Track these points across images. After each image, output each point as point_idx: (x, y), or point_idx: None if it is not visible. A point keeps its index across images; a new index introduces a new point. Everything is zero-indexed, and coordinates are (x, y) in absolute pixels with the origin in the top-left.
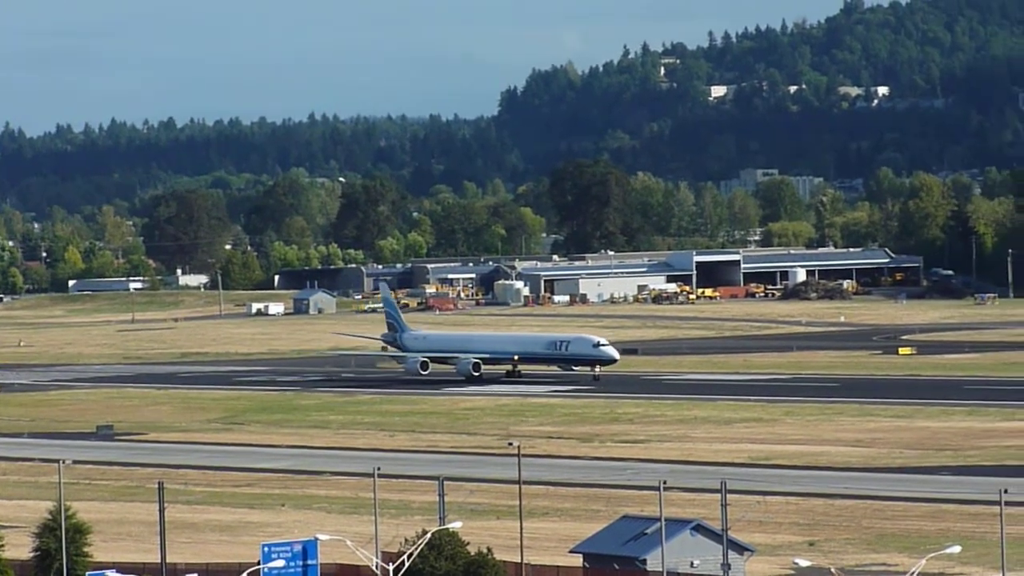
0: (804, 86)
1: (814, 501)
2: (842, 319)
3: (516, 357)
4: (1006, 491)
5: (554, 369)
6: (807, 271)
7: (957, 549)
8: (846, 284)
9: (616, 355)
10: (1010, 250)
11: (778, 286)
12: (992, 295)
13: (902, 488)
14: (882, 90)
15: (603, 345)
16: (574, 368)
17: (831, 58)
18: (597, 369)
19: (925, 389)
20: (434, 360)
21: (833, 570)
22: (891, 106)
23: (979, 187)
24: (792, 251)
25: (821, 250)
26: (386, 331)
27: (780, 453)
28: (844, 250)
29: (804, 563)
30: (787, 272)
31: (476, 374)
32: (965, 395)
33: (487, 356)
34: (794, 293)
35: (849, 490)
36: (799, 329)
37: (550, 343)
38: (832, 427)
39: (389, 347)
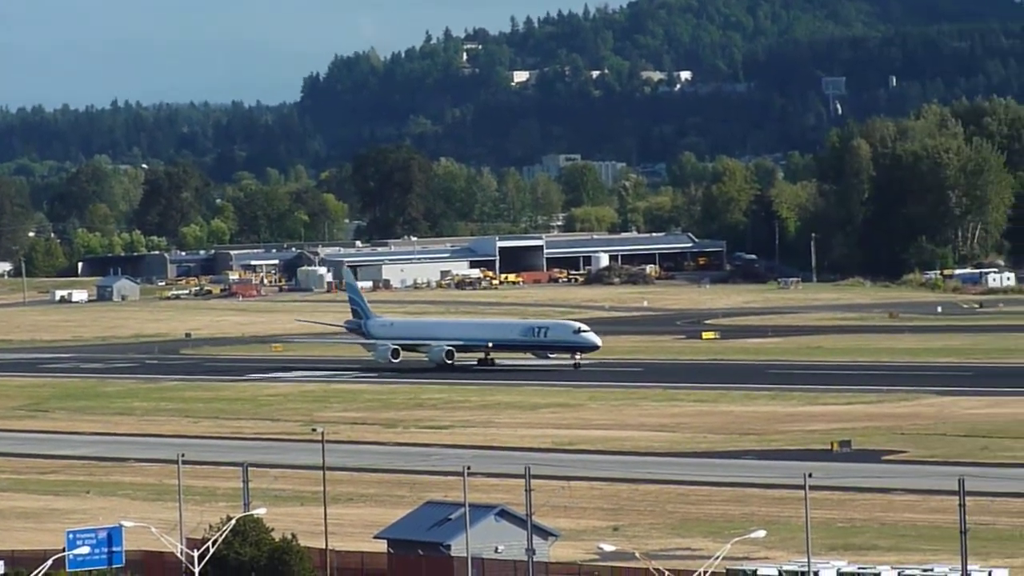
0: (606, 71)
1: (619, 486)
2: (646, 304)
3: (490, 344)
4: (810, 475)
5: (530, 357)
6: (610, 256)
7: (762, 533)
8: (649, 269)
9: (598, 341)
10: (813, 234)
11: (581, 271)
12: (795, 279)
13: (706, 473)
14: (684, 75)
15: (584, 331)
16: (550, 356)
17: (633, 43)
18: (578, 356)
19: (729, 374)
20: (403, 348)
21: (637, 555)
22: (693, 91)
23: (782, 171)
24: (595, 236)
25: (624, 235)
26: (350, 318)
27: (585, 438)
28: (647, 235)
29: (608, 548)
30: (590, 257)
31: (449, 362)
32: (768, 379)
33: (460, 343)
34: (597, 278)
35: (653, 475)
36: (603, 314)
37: (527, 329)
38: (636, 412)
39: (352, 334)
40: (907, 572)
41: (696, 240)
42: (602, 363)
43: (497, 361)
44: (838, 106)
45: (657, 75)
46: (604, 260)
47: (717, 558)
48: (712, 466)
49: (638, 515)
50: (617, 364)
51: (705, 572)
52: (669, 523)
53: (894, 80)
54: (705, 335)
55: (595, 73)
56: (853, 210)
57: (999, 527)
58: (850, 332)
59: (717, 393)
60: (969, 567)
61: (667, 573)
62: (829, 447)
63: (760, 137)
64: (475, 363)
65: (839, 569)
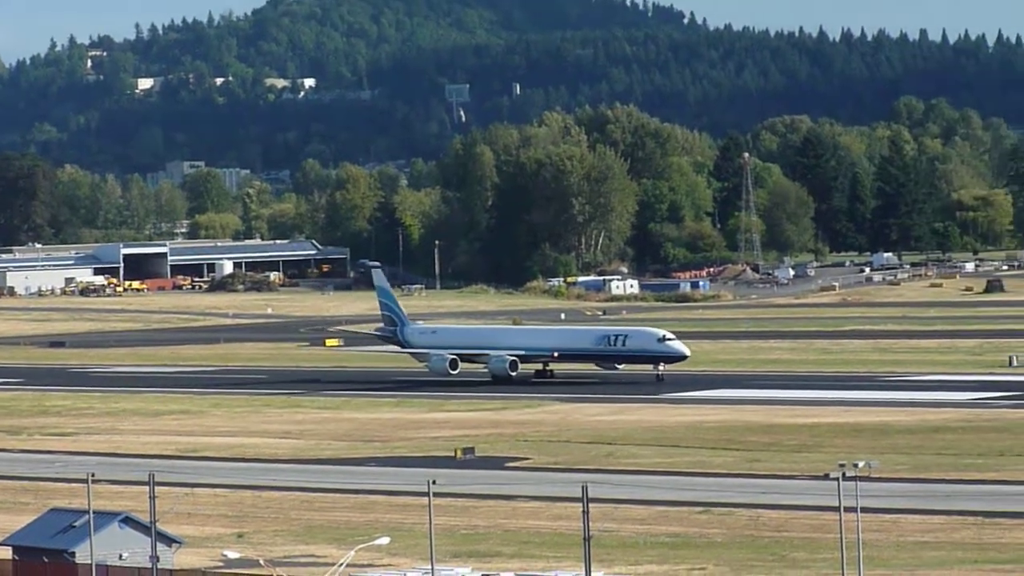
0: (231, 78)
1: (243, 493)
2: (270, 311)
3: (555, 354)
4: (434, 482)
5: (591, 367)
6: (234, 263)
7: (386, 540)
8: (273, 276)
9: (687, 351)
10: (436, 241)
11: (205, 278)
12: (419, 286)
13: (331, 479)
14: (308, 82)
15: (670, 340)
16: (619, 367)
17: (257, 50)
18: (661, 367)
19: (354, 381)
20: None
21: (262, 561)
22: (317, 98)
23: (406, 178)
24: (219, 243)
25: (248, 242)
26: (382, 325)
27: (209, 445)
28: (271, 242)
29: (233, 555)
30: (214, 264)
31: (513, 374)
32: (393, 386)
33: (523, 353)
34: (221, 285)
35: (277, 482)
36: (227, 321)
37: (601, 337)
38: (260, 419)
39: (387, 343)
40: None
41: (320, 247)
42: (224, 370)
43: (557, 372)
44: (462, 113)
45: (281, 82)
46: (228, 267)
47: (341, 565)
48: (336, 473)
49: (263, 522)
50: (240, 371)
51: None
52: (293, 530)
53: (518, 88)
54: (328, 342)
55: (219, 80)
56: (477, 217)
57: (623, 534)
58: None
59: (341, 400)
60: (593, 574)
61: None
62: (453, 454)
63: (384, 144)
64: (532, 374)
65: None
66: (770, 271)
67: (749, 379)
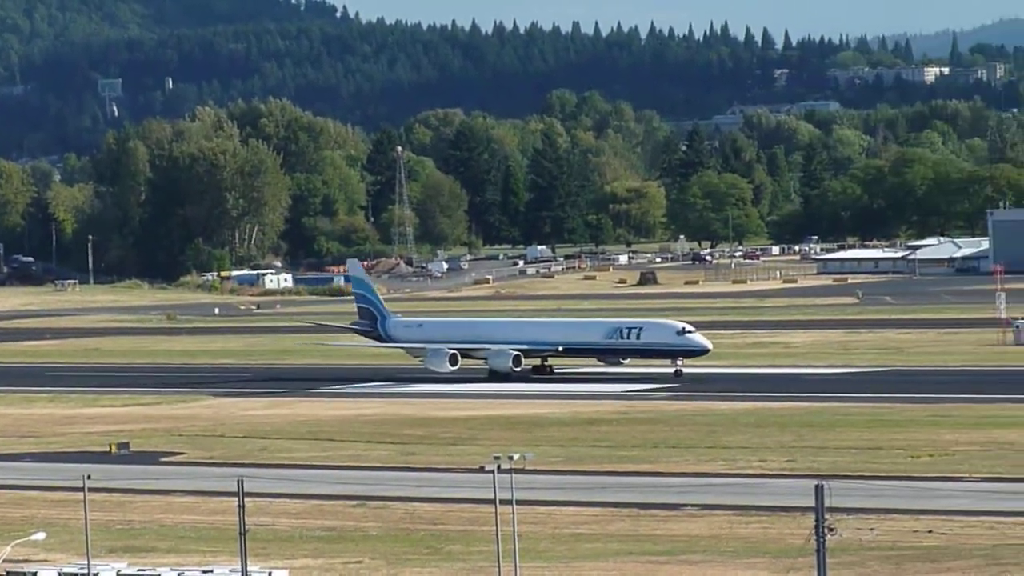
0: None
1: None
2: None
3: (560, 348)
4: (89, 477)
5: (592, 363)
6: None
7: (42, 536)
8: None
9: (709, 344)
10: (90, 236)
11: None
12: (73, 281)
13: None
14: None
15: (690, 332)
16: (623, 362)
17: None
18: (680, 362)
19: (7, 376)
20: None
21: None
22: None
23: (59, 173)
24: None
25: None
26: (357, 319)
27: None
28: None
29: None
30: None
31: (517, 369)
32: (47, 382)
33: (525, 347)
34: None
35: None
36: None
37: (612, 330)
38: None
39: (362, 337)
40: (187, 573)
41: None
42: None
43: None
44: (115, 108)
45: None
46: None
47: None
48: None
49: None
50: None
51: None
52: None
53: (170, 82)
54: None
55: None
56: (130, 212)
57: (278, 528)
58: (128, 334)
59: None
60: (249, 568)
61: None
62: (108, 449)
63: (37, 139)
64: (530, 370)
65: (119, 571)
66: (424, 264)
67: (402, 373)
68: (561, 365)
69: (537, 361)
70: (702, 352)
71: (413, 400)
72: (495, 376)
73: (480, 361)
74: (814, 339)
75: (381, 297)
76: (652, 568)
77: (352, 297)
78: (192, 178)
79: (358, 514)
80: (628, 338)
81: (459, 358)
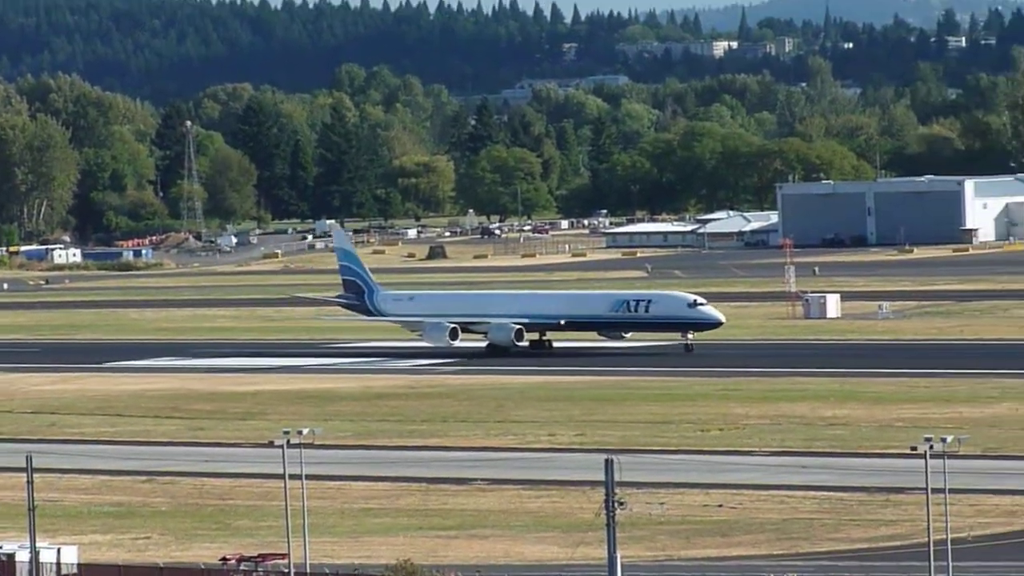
0: None
1: None
2: None
3: (562, 322)
4: None
5: (592, 337)
6: None
7: None
8: None
9: (721, 317)
10: None
11: None
12: None
13: None
14: None
15: (701, 304)
16: (624, 335)
17: None
18: (691, 336)
19: None
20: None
21: None
22: None
23: None
24: None
25: None
26: (343, 292)
27: None
28: None
29: None
30: None
31: (520, 344)
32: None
33: (526, 321)
34: None
35: None
36: None
37: (618, 303)
38: None
39: (350, 311)
40: None
41: None
42: None
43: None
44: None
45: None
46: None
47: None
48: None
49: None
50: None
51: None
52: None
53: None
54: None
55: None
56: None
57: (67, 504)
58: None
59: None
60: (38, 544)
61: None
62: None
63: None
64: (528, 346)
65: None
66: (213, 239)
67: (193, 347)
68: (559, 339)
69: (536, 336)
70: (715, 325)
71: (201, 375)
72: (495, 350)
73: (475, 335)
74: None
75: (367, 269)
76: (442, 543)
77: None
78: None
79: (147, 489)
80: (636, 311)
81: (459, 332)
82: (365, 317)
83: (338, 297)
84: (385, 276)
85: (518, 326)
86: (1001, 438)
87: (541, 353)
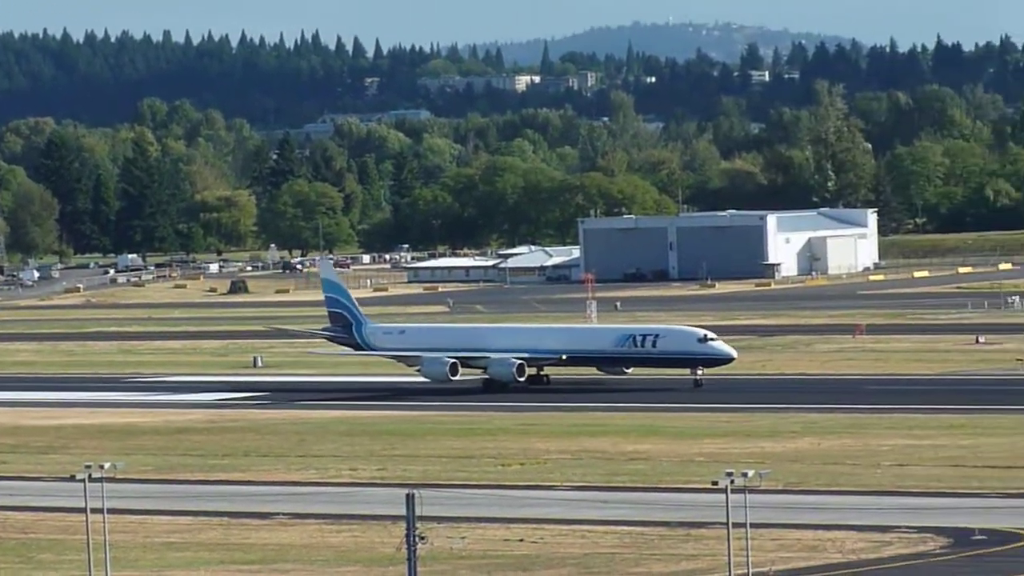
0: None
1: None
2: None
3: (563, 357)
4: None
5: (591, 371)
6: None
7: None
8: None
9: (733, 352)
10: None
11: None
12: None
13: None
14: None
15: (712, 340)
16: (626, 371)
17: None
18: (700, 372)
19: None
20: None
21: None
22: None
23: None
24: None
25: None
26: (330, 324)
27: None
28: None
29: None
30: None
31: (521, 380)
32: None
33: (525, 356)
34: None
35: None
36: None
37: (624, 338)
38: None
39: (335, 345)
40: None
41: None
42: None
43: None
44: None
45: None
46: None
47: None
48: None
49: None
50: None
51: None
52: None
53: None
54: None
55: None
56: None
57: None
58: None
59: None
60: None
61: None
62: None
63: None
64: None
65: None
66: (15, 273)
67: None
68: (556, 374)
69: (533, 371)
70: (726, 361)
71: (2, 409)
72: (493, 386)
73: (473, 371)
74: None
75: (355, 301)
76: None
77: None
78: None
79: None
80: (643, 346)
81: (459, 368)
82: (353, 352)
83: (324, 330)
84: (187, 311)
85: (520, 361)
86: (802, 472)
87: (540, 389)
